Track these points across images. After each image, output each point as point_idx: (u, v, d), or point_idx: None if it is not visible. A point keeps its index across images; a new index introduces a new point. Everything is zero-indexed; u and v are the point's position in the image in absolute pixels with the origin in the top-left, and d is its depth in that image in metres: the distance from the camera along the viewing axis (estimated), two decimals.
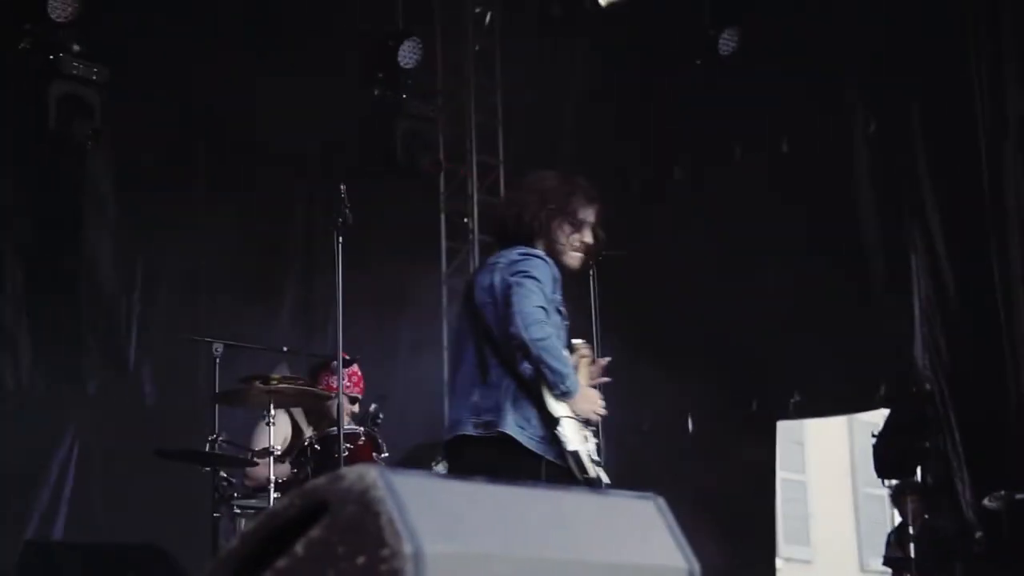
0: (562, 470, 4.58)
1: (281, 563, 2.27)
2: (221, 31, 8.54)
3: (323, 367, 6.70)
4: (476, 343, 4.71)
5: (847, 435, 17.08)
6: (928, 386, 8.34)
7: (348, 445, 5.92)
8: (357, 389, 6.73)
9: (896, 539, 9.12)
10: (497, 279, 4.66)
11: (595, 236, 4.93)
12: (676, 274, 9.11)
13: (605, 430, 4.97)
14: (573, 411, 4.61)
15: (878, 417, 9.26)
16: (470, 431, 4.65)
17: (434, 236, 10.02)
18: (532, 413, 4.59)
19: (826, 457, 17.07)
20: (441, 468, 6.42)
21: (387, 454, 6.18)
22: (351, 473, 2.27)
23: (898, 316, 8.53)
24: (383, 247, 8.90)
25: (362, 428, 6.21)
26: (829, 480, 17.13)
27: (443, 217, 10.09)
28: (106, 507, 7.86)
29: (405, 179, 9.43)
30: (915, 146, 8.56)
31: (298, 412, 6.74)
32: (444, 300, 9.91)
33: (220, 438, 6.12)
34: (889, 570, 9.12)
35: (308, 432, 6.49)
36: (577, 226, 4.87)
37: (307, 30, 8.96)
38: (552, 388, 4.56)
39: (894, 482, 9.03)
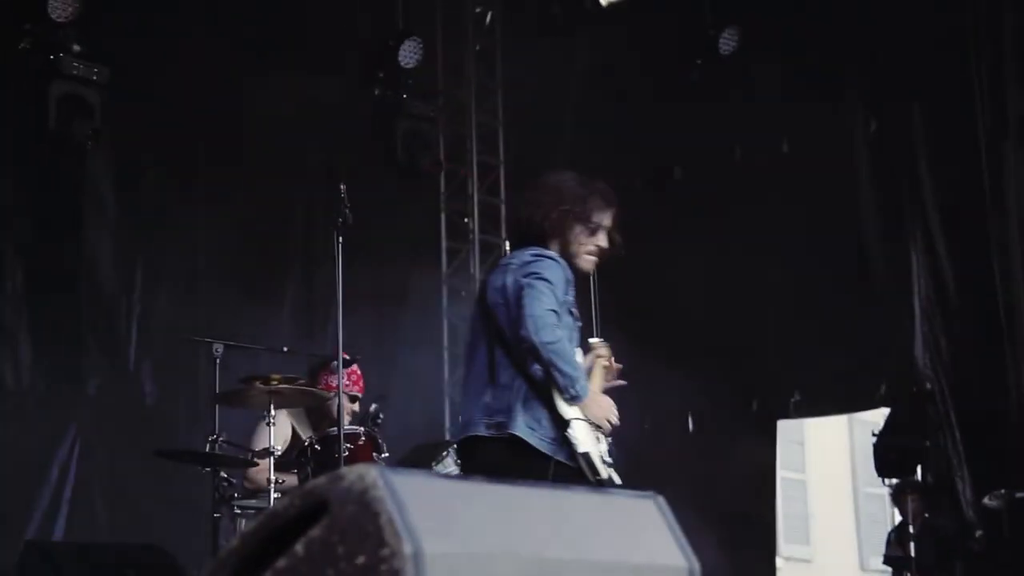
0: (572, 471, 4.59)
1: (281, 563, 2.27)
2: (221, 31, 8.53)
3: (322, 367, 6.69)
4: (488, 344, 4.72)
5: (847, 434, 17.10)
6: (928, 385, 8.35)
7: (348, 445, 5.91)
8: (357, 388, 6.73)
9: (896, 538, 9.13)
10: (509, 280, 4.67)
11: (610, 240, 4.93)
12: (676, 274, 9.10)
13: None
14: (584, 415, 4.63)
15: (878, 416, 9.27)
16: (482, 431, 4.65)
17: (434, 236, 10.02)
18: (543, 414, 4.60)
19: (826, 456, 17.08)
20: (441, 468, 6.43)
21: (387, 454, 6.17)
22: (351, 473, 2.27)
23: (898, 316, 8.53)
24: (383, 247, 8.90)
25: (362, 428, 6.20)
26: (829, 479, 17.14)
27: (443, 217, 10.09)
28: (106, 507, 7.87)
29: (405, 179, 9.44)
30: (915, 146, 8.57)
31: (297, 414, 6.73)
32: (444, 300, 9.91)
33: (220, 438, 6.12)
34: (889, 569, 9.14)
35: (308, 435, 6.48)
36: (592, 229, 4.86)
37: (307, 30, 8.96)
38: (562, 392, 4.57)
39: (894, 481, 9.03)
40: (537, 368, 4.58)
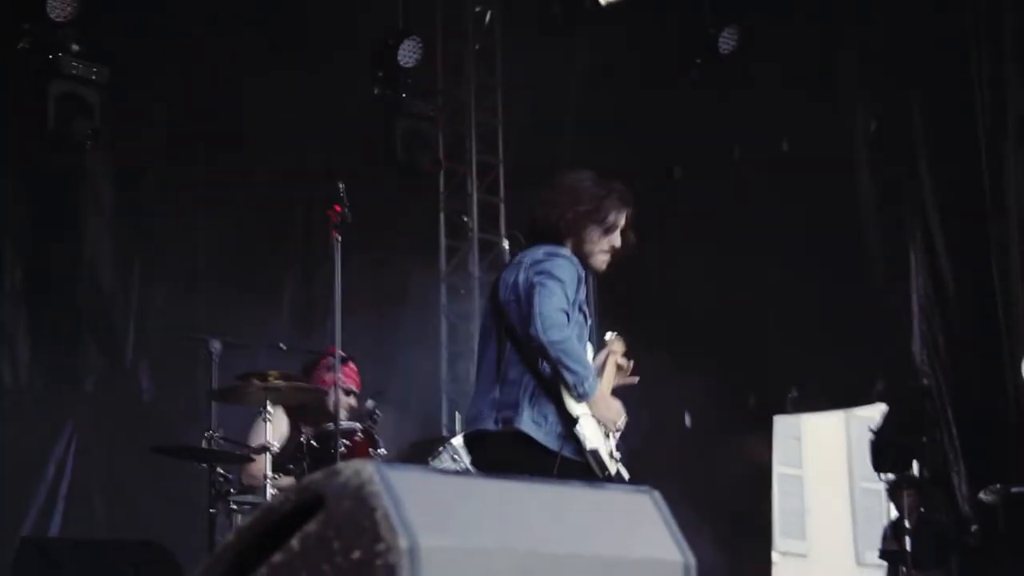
0: (578, 466, 4.65)
1: (277, 558, 2.27)
2: (221, 31, 8.53)
3: (315, 365, 6.68)
4: (499, 339, 4.78)
5: (844, 430, 17.08)
6: (925, 381, 8.35)
7: (345, 442, 5.91)
8: (353, 382, 6.72)
9: (892, 533, 9.14)
10: (521, 277, 4.73)
11: (625, 240, 4.96)
12: (675, 273, 9.10)
13: None
14: (593, 415, 4.66)
15: (875, 412, 9.27)
16: (489, 426, 4.72)
17: (434, 235, 10.02)
18: (550, 410, 4.66)
19: (823, 452, 17.08)
20: (438, 464, 6.43)
21: (384, 451, 6.17)
22: (347, 468, 2.27)
23: (896, 313, 8.53)
24: (383, 246, 8.90)
25: (359, 425, 6.20)
26: (826, 474, 17.14)
27: (443, 216, 10.09)
28: (103, 503, 7.88)
29: (405, 178, 9.44)
30: (915, 146, 8.56)
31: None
32: (443, 298, 9.91)
33: (217, 434, 6.12)
34: (885, 563, 9.15)
35: (304, 430, 6.48)
36: (607, 230, 4.90)
37: (307, 30, 8.96)
38: (570, 390, 4.64)
39: (891, 476, 9.03)
40: (546, 365, 4.65)
